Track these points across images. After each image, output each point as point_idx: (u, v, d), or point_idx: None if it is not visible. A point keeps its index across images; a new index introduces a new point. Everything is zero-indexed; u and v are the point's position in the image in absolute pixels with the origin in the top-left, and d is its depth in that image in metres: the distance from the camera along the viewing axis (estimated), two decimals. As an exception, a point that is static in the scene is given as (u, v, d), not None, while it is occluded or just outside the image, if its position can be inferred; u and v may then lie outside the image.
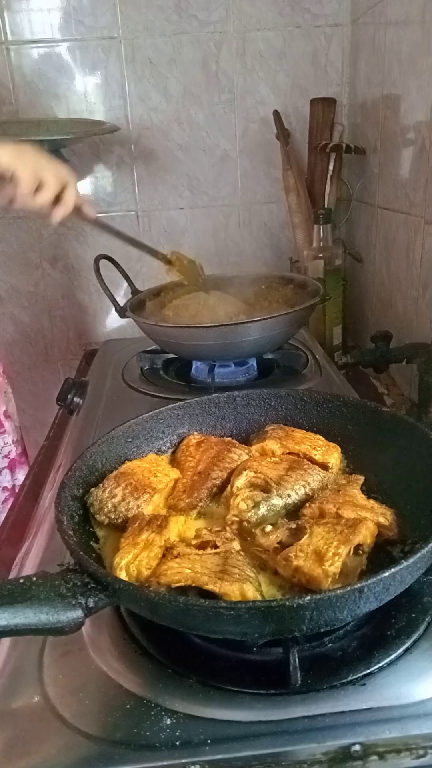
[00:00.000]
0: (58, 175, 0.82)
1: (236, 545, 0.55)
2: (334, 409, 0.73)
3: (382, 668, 0.49)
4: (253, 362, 1.11)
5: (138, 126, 1.45)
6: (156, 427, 0.73)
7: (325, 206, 1.41)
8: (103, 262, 1.14)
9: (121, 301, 1.15)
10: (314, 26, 1.40)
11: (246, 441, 0.74)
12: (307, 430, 0.72)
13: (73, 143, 1.41)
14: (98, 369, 1.23)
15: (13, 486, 1.16)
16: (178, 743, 0.45)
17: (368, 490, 0.63)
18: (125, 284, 1.22)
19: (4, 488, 1.15)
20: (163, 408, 0.74)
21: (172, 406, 0.75)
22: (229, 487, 0.63)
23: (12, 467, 1.17)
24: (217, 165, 1.51)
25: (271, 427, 0.72)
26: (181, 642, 0.53)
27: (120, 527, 0.59)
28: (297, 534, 0.54)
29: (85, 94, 1.42)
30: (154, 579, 0.49)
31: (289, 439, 0.69)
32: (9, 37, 1.37)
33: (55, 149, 1.25)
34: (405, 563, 0.44)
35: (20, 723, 0.47)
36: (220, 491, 0.65)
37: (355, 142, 1.40)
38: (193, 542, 0.55)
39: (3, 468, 1.15)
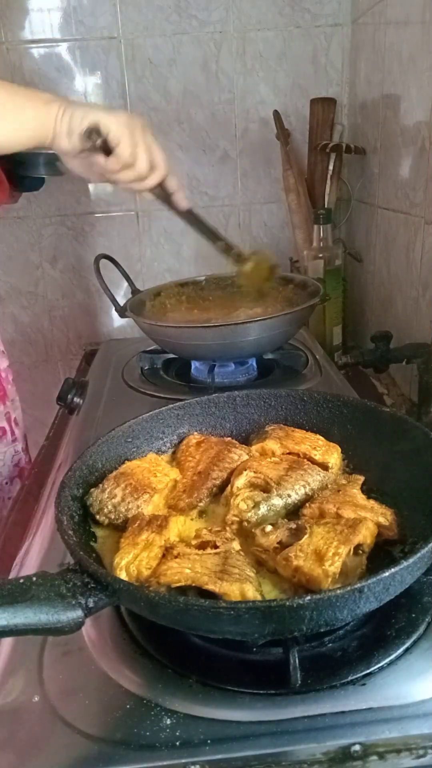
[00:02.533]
0: (153, 160, 0.81)
1: (236, 545, 0.55)
2: (334, 409, 0.73)
3: (382, 668, 0.49)
4: (253, 362, 1.11)
5: (138, 126, 1.45)
6: (156, 427, 0.73)
7: (325, 206, 1.41)
8: (103, 262, 1.14)
9: (121, 301, 1.15)
10: (314, 26, 1.40)
11: (246, 441, 0.74)
12: (307, 430, 0.72)
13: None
14: (98, 369, 1.23)
15: None
16: (178, 743, 0.45)
17: (368, 490, 0.63)
18: (125, 284, 1.22)
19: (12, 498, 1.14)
20: (163, 408, 0.74)
21: (172, 406, 0.75)
22: (229, 487, 0.63)
23: (22, 476, 1.16)
24: (217, 165, 1.51)
25: (271, 427, 0.72)
26: (181, 642, 0.53)
27: (120, 527, 0.59)
28: (297, 534, 0.54)
29: (85, 94, 1.42)
30: (154, 579, 0.49)
31: (289, 439, 0.69)
32: (9, 37, 1.37)
33: (51, 162, 1.25)
34: (405, 563, 0.44)
35: (20, 723, 0.47)
36: (220, 491, 0.65)
37: (355, 142, 1.40)
38: (193, 542, 0.55)
39: (14, 477, 1.14)
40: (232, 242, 1.07)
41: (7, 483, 1.11)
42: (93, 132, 0.76)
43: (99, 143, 0.76)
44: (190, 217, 1.00)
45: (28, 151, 1.17)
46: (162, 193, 0.89)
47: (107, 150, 0.78)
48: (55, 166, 1.26)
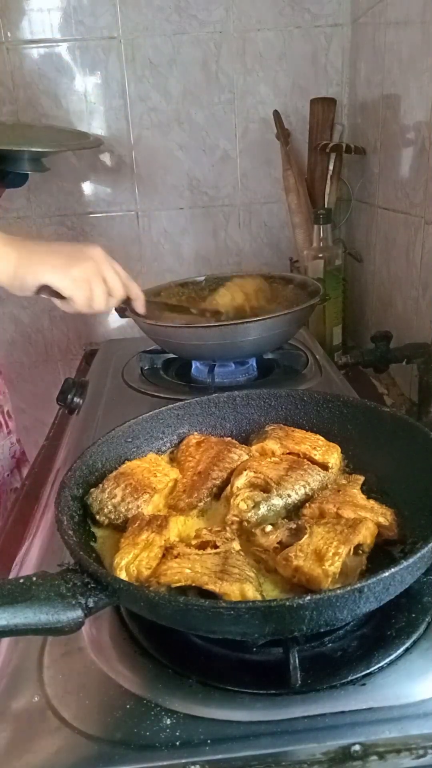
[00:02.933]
0: (110, 290, 0.85)
1: (236, 545, 0.55)
2: (334, 409, 0.73)
3: (382, 668, 0.49)
4: (253, 362, 1.11)
5: (138, 126, 1.46)
6: (156, 427, 0.73)
7: (325, 206, 1.41)
8: (103, 262, 1.14)
9: (121, 301, 1.14)
10: (314, 26, 1.40)
11: (246, 441, 0.74)
12: (307, 430, 0.72)
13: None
14: (98, 369, 1.23)
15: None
16: (178, 743, 0.45)
17: (368, 490, 0.63)
18: (125, 284, 1.22)
19: (15, 489, 1.15)
20: (163, 408, 0.74)
21: (172, 406, 0.75)
22: (229, 487, 0.63)
23: (20, 467, 1.17)
24: (217, 165, 1.51)
25: (271, 427, 0.72)
26: (181, 642, 0.53)
27: (120, 527, 0.59)
28: (297, 534, 0.54)
29: (85, 94, 1.42)
30: (154, 579, 0.49)
31: (289, 439, 0.69)
32: (9, 37, 1.37)
33: (36, 158, 1.25)
34: (405, 563, 0.44)
35: (20, 723, 0.47)
36: (220, 491, 0.65)
37: (355, 142, 1.40)
38: (193, 542, 0.55)
39: (13, 468, 1.15)
40: (202, 309, 1.10)
41: (8, 475, 1.12)
42: (43, 289, 0.80)
43: (49, 296, 0.81)
44: (154, 311, 1.03)
45: (11, 148, 1.17)
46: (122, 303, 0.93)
47: (61, 296, 0.81)
48: (39, 162, 1.26)
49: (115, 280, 0.85)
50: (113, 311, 1.13)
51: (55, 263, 0.79)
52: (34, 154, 1.23)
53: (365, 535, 0.53)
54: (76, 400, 1.11)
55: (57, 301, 0.83)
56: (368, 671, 0.49)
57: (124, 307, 1.11)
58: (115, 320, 1.61)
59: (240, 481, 0.63)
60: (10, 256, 0.76)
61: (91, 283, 0.81)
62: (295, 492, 0.61)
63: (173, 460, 0.72)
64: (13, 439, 1.16)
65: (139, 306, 0.96)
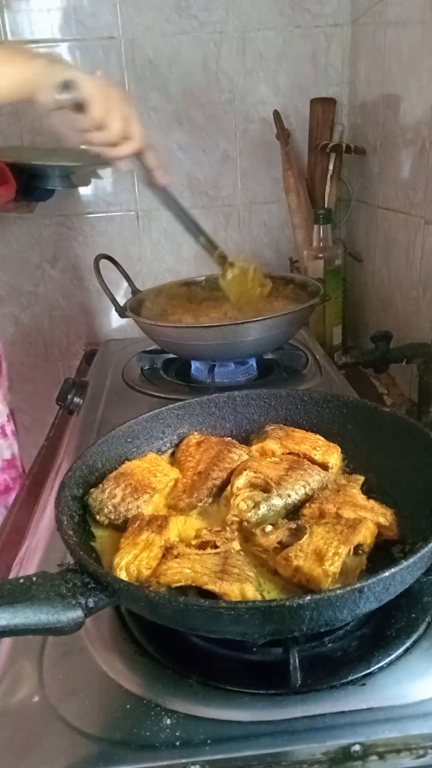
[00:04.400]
0: (127, 129, 0.82)
1: (236, 545, 0.55)
2: (334, 409, 0.73)
3: (382, 668, 0.49)
4: (253, 362, 1.11)
5: (138, 126, 1.45)
6: (156, 427, 0.73)
7: (325, 206, 1.41)
8: (103, 262, 1.14)
9: (121, 301, 1.15)
10: (314, 26, 1.40)
11: (246, 441, 0.74)
12: (307, 430, 0.72)
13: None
14: (98, 369, 1.23)
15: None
16: (178, 743, 0.45)
17: (368, 490, 0.63)
18: (125, 284, 1.23)
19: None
20: (163, 408, 0.74)
21: (172, 406, 0.75)
22: (229, 487, 0.63)
23: (20, 476, 1.16)
24: (217, 165, 1.51)
25: (271, 427, 0.72)
26: (181, 642, 0.53)
27: (120, 527, 0.59)
28: (297, 534, 0.54)
29: (85, 94, 1.42)
30: (154, 579, 0.49)
31: (289, 439, 0.69)
32: (9, 37, 1.37)
33: (65, 174, 1.27)
34: (405, 563, 0.44)
35: (20, 723, 0.47)
36: (220, 491, 0.65)
37: (355, 142, 1.40)
38: (193, 542, 0.55)
39: (15, 477, 1.14)
40: (213, 240, 1.07)
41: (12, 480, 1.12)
42: (68, 86, 0.76)
43: (71, 98, 0.77)
44: (169, 199, 1.00)
45: (43, 164, 1.19)
46: (142, 169, 0.89)
47: (81, 108, 0.78)
48: (68, 179, 1.28)
49: (136, 125, 0.82)
50: (113, 311, 1.14)
51: (85, 71, 0.79)
52: (63, 170, 1.24)
53: (365, 535, 0.53)
54: (76, 400, 1.11)
55: (75, 115, 0.79)
56: (368, 671, 0.49)
57: (124, 307, 1.11)
58: (115, 320, 1.61)
59: (240, 481, 0.63)
60: (39, 58, 0.77)
61: (112, 103, 0.79)
62: (295, 492, 0.61)
63: (173, 460, 0.72)
64: (11, 443, 1.16)
65: (161, 175, 0.91)
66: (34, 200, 1.33)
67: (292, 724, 0.46)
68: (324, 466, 0.67)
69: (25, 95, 0.78)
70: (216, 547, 0.53)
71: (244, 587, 0.47)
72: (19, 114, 1.42)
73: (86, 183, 1.40)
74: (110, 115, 0.79)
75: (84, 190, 1.51)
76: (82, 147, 0.86)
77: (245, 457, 0.69)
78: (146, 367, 1.16)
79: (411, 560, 0.44)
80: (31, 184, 1.24)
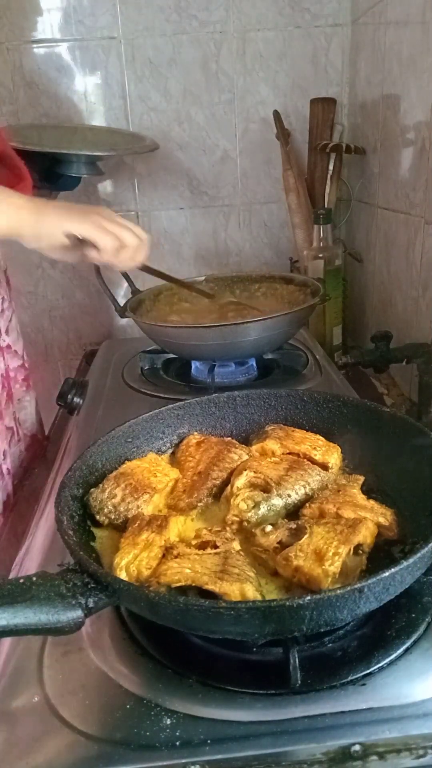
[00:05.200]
0: (137, 236, 0.85)
1: (236, 545, 0.55)
2: (334, 409, 0.73)
3: (382, 668, 0.49)
4: (253, 362, 1.11)
5: (138, 126, 1.45)
6: (156, 427, 0.73)
7: (325, 206, 1.41)
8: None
9: (121, 301, 1.15)
10: (314, 26, 1.40)
11: (246, 441, 0.74)
12: (307, 430, 0.72)
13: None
14: (98, 369, 1.23)
15: None
16: (178, 743, 0.45)
17: (368, 490, 0.63)
18: (125, 284, 1.22)
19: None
20: (163, 408, 0.74)
21: (172, 406, 0.75)
22: (229, 487, 0.63)
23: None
24: (217, 165, 1.51)
25: (271, 427, 0.72)
26: (181, 642, 0.53)
27: (120, 527, 0.59)
28: (297, 534, 0.54)
29: (85, 94, 1.42)
30: (154, 579, 0.49)
31: (289, 439, 0.69)
32: (9, 37, 1.37)
33: (91, 161, 1.25)
34: (405, 563, 0.44)
35: (20, 723, 0.47)
36: (220, 491, 0.65)
37: (355, 142, 1.40)
38: (193, 542, 0.55)
39: (22, 478, 1.13)
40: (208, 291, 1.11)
41: (17, 484, 1.11)
42: (71, 237, 0.81)
43: (78, 242, 0.81)
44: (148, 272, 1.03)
45: (68, 151, 1.17)
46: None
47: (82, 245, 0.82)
48: (95, 165, 1.25)
49: (135, 227, 0.86)
50: (113, 311, 1.14)
51: (72, 213, 0.81)
52: (90, 158, 1.23)
53: (365, 535, 0.53)
54: (76, 400, 1.11)
55: (93, 253, 0.83)
56: (368, 671, 0.49)
57: (124, 307, 1.11)
58: (115, 320, 1.62)
59: (240, 481, 0.63)
60: (27, 206, 0.79)
61: (112, 229, 0.82)
62: (295, 492, 0.61)
63: (173, 460, 0.72)
64: (22, 446, 1.16)
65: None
66: (59, 189, 1.31)
67: (292, 724, 0.46)
68: (324, 466, 0.67)
69: (14, 237, 0.81)
70: (216, 547, 0.53)
71: (244, 587, 0.47)
72: (19, 114, 1.42)
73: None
74: (120, 237, 0.82)
75: (83, 190, 1.51)
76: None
77: (245, 457, 0.69)
78: (146, 367, 1.16)
79: (411, 560, 0.44)
80: (54, 169, 1.21)
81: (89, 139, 1.33)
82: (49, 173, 1.16)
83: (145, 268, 0.94)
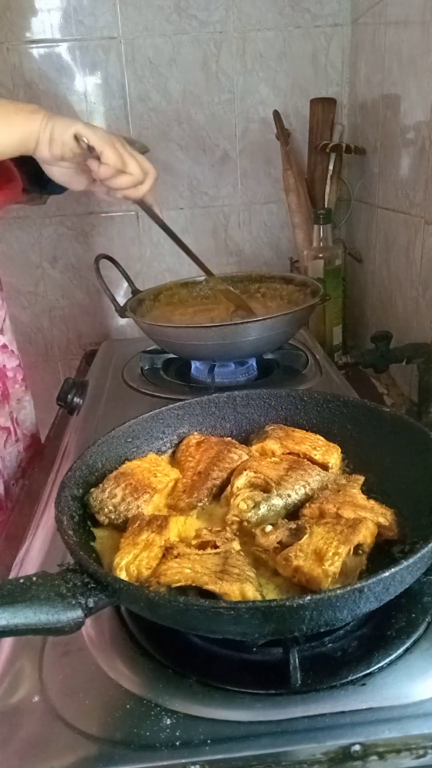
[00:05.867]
0: (142, 166, 0.86)
1: (236, 545, 0.55)
2: (334, 409, 0.73)
3: (382, 668, 0.49)
4: (253, 362, 1.11)
5: (138, 126, 1.46)
6: (156, 427, 0.73)
7: (325, 206, 1.42)
8: (103, 262, 1.14)
9: (121, 301, 1.15)
10: (314, 26, 1.40)
11: (246, 441, 0.74)
12: (307, 430, 0.72)
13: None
14: (98, 369, 1.23)
15: None
16: (178, 743, 0.45)
17: (368, 490, 0.63)
18: (125, 284, 1.22)
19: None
20: (163, 408, 0.74)
21: (172, 406, 0.75)
22: (229, 487, 0.63)
23: (25, 477, 1.16)
24: (217, 165, 1.51)
25: (271, 427, 0.72)
26: (181, 642, 0.53)
27: (120, 527, 0.59)
28: (297, 534, 0.54)
29: (85, 94, 1.42)
30: (154, 579, 0.49)
31: (289, 439, 0.69)
32: (9, 37, 1.37)
33: None
34: (405, 563, 0.44)
35: (20, 723, 0.47)
36: (220, 491, 0.65)
37: (355, 142, 1.40)
38: (193, 542, 0.55)
39: (19, 478, 1.14)
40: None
41: (13, 484, 1.11)
42: (77, 139, 0.80)
43: (84, 150, 0.81)
44: (162, 227, 1.05)
45: None
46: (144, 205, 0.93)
47: (90, 157, 0.82)
48: None
49: (142, 158, 0.86)
50: (113, 311, 1.14)
51: (84, 122, 0.82)
52: None
53: (365, 535, 0.53)
54: (76, 400, 1.11)
55: (94, 164, 0.83)
56: (368, 671, 0.49)
57: (124, 307, 1.11)
58: (115, 320, 1.62)
59: (240, 481, 0.63)
60: (41, 111, 0.80)
61: (119, 147, 0.82)
62: (295, 492, 0.61)
63: (173, 460, 0.72)
64: (20, 447, 1.16)
65: (157, 209, 0.96)
66: (48, 193, 1.31)
67: (292, 724, 0.46)
68: (324, 466, 0.67)
69: (28, 151, 0.82)
70: (216, 547, 0.53)
71: (244, 587, 0.47)
72: (19, 114, 1.41)
73: None
74: (124, 158, 0.83)
75: (83, 190, 1.51)
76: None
77: (245, 457, 0.69)
78: (146, 367, 1.16)
79: (411, 560, 0.44)
80: (42, 174, 1.21)
81: None
82: (38, 177, 1.16)
83: (145, 208, 0.94)
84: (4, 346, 1.13)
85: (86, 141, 0.80)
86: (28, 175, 1.01)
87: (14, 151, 0.81)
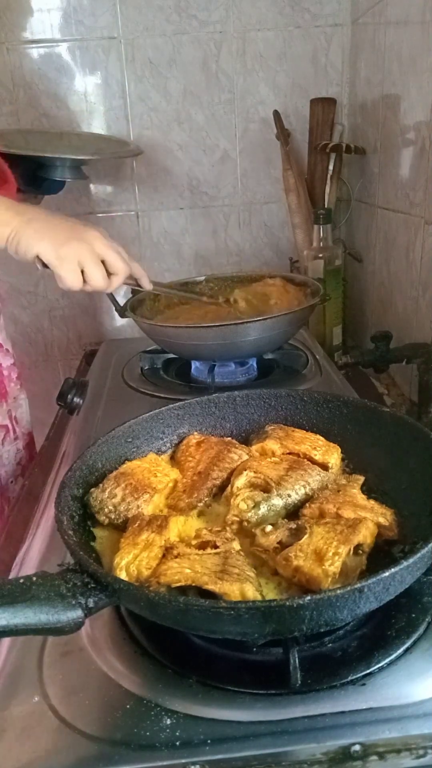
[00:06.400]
0: (113, 266, 0.86)
1: (236, 545, 0.55)
2: (334, 409, 0.73)
3: (382, 668, 0.49)
4: (253, 362, 1.11)
5: (138, 126, 1.46)
6: (156, 427, 0.73)
7: (325, 206, 1.42)
8: (103, 262, 1.14)
9: (121, 301, 1.15)
10: (314, 26, 1.40)
11: (246, 441, 0.74)
12: (307, 430, 0.72)
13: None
14: (98, 369, 1.23)
15: None
16: (178, 743, 0.45)
17: (368, 490, 0.63)
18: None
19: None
20: (163, 408, 0.74)
21: (172, 406, 0.75)
22: (229, 487, 0.63)
23: (24, 475, 1.16)
24: (217, 165, 1.51)
25: (271, 427, 0.72)
26: (181, 642, 0.53)
27: (120, 527, 0.59)
28: (297, 534, 0.54)
29: (85, 94, 1.42)
30: (154, 579, 0.49)
31: (289, 439, 0.69)
32: (9, 37, 1.37)
33: (76, 166, 1.26)
34: (405, 563, 0.44)
35: (20, 723, 0.47)
36: (220, 491, 0.65)
37: (355, 142, 1.40)
38: (193, 542, 0.55)
39: (18, 475, 1.14)
40: (210, 296, 1.13)
41: (11, 482, 1.11)
42: (39, 261, 0.82)
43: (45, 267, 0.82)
44: (162, 288, 1.06)
45: (52, 155, 1.18)
46: (129, 281, 0.94)
47: None
48: (79, 170, 1.26)
49: (115, 259, 0.86)
50: (113, 311, 1.14)
51: (50, 237, 0.81)
52: (73, 162, 1.23)
53: (365, 535, 0.53)
54: (76, 400, 1.11)
55: (56, 278, 0.84)
56: (368, 671, 0.49)
57: (124, 307, 1.11)
58: (115, 320, 1.62)
59: (240, 481, 0.63)
60: (12, 222, 0.80)
61: (84, 264, 0.82)
62: (295, 492, 0.61)
63: (173, 460, 0.72)
64: (19, 445, 1.16)
65: (145, 283, 0.96)
66: (43, 193, 1.31)
67: (292, 724, 0.46)
68: (324, 466, 0.67)
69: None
70: (216, 547, 0.53)
71: (244, 587, 0.47)
72: (19, 113, 1.42)
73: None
74: (85, 272, 0.83)
75: (83, 190, 1.51)
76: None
77: (245, 457, 0.69)
78: (146, 367, 1.16)
79: (411, 560, 0.44)
80: (38, 173, 1.21)
81: (74, 144, 1.33)
82: (33, 177, 1.16)
83: (130, 283, 0.95)
84: (0, 345, 1.14)
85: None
86: (23, 175, 1.01)
87: None
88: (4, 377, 1.12)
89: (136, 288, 0.96)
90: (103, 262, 0.84)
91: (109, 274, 0.86)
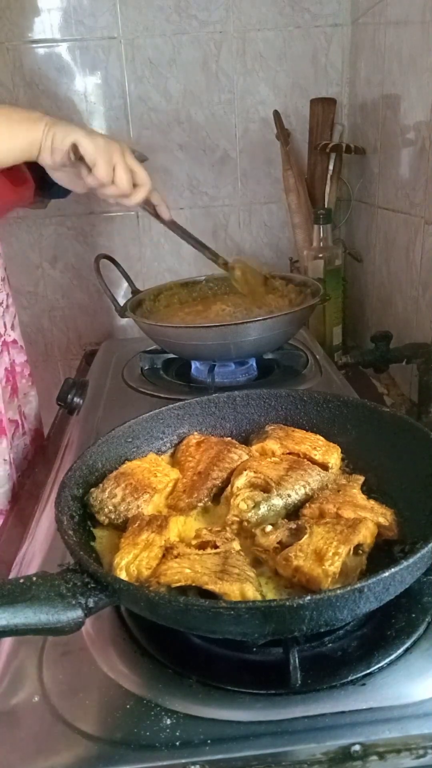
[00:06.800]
0: (137, 177, 0.89)
1: (236, 545, 0.55)
2: (334, 409, 0.73)
3: (382, 668, 0.49)
4: (253, 362, 1.11)
5: (138, 126, 1.46)
6: (156, 427, 0.73)
7: (325, 206, 1.41)
8: (103, 262, 1.14)
9: (121, 301, 1.15)
10: (314, 26, 1.40)
11: (246, 441, 0.74)
12: (307, 430, 0.72)
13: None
14: (98, 369, 1.23)
15: None
16: (178, 743, 0.45)
17: (368, 490, 0.63)
18: (125, 284, 1.22)
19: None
20: (163, 408, 0.74)
21: (172, 406, 0.75)
22: (229, 487, 0.63)
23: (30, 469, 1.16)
24: (217, 165, 1.51)
25: (271, 427, 0.72)
26: (181, 642, 0.53)
27: (120, 527, 0.59)
28: (297, 534, 0.54)
29: (85, 94, 1.42)
30: (154, 579, 0.49)
31: (289, 439, 0.69)
32: (9, 37, 1.37)
33: None
34: (405, 563, 0.44)
35: (20, 723, 0.47)
36: (220, 491, 0.65)
37: (355, 142, 1.40)
38: (193, 542, 0.55)
39: (25, 470, 1.14)
40: (215, 251, 1.13)
41: (20, 476, 1.11)
42: (74, 149, 0.83)
43: (78, 159, 0.84)
44: (175, 227, 1.07)
45: None
46: (149, 206, 0.97)
47: (88, 167, 0.85)
48: None
49: (143, 171, 0.89)
50: (113, 311, 1.14)
51: (84, 130, 0.84)
52: None
53: (365, 535, 0.53)
54: (76, 400, 1.11)
55: (83, 171, 0.86)
56: (368, 671, 0.49)
57: (124, 307, 1.11)
58: (115, 320, 1.62)
59: (240, 481, 0.63)
60: (43, 118, 0.83)
61: (116, 163, 0.85)
62: (295, 492, 0.61)
63: (173, 460, 0.72)
64: (27, 440, 1.16)
65: (164, 210, 0.99)
66: (50, 197, 1.32)
67: (292, 724, 0.46)
68: (324, 466, 0.67)
69: (32, 158, 0.84)
70: (216, 547, 0.53)
71: (244, 587, 0.47)
72: (19, 114, 1.41)
73: None
74: (116, 171, 0.85)
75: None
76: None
77: (245, 457, 0.69)
78: (146, 367, 1.16)
79: (411, 560, 0.44)
80: (45, 178, 1.22)
81: None
82: (41, 182, 1.17)
83: (148, 209, 0.96)
84: (14, 342, 1.14)
85: (79, 152, 0.82)
86: (34, 179, 1.02)
87: (18, 158, 0.84)
88: (17, 374, 1.13)
89: (154, 215, 0.98)
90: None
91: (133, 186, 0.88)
